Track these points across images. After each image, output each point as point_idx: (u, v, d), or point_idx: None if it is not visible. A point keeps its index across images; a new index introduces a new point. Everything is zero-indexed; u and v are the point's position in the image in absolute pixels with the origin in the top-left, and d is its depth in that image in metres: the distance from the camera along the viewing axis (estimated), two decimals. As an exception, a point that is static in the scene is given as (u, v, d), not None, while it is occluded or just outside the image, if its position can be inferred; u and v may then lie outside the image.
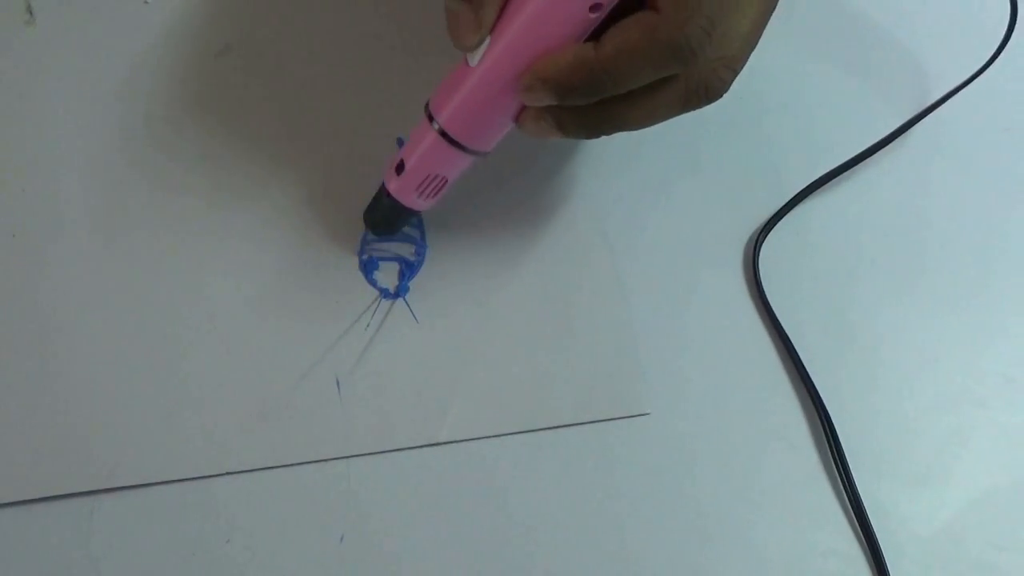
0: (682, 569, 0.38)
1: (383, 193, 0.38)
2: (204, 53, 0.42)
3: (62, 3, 0.42)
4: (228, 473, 0.38)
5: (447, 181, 0.37)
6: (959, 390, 0.42)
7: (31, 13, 0.42)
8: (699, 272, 0.42)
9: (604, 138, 0.43)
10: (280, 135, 0.42)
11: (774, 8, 0.34)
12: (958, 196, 0.45)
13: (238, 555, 0.37)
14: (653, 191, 0.43)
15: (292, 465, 0.38)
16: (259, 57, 0.43)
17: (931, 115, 0.45)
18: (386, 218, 0.39)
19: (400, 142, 0.42)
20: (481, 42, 0.33)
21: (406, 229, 0.41)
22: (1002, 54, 0.44)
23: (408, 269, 0.40)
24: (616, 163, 0.43)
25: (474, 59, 0.33)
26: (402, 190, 0.37)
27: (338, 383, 0.39)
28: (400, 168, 0.37)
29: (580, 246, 0.42)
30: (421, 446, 0.39)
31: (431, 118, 0.35)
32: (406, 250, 0.41)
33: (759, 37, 0.33)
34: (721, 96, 0.33)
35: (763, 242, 0.42)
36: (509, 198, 0.42)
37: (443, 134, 0.35)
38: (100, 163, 0.41)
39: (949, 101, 0.45)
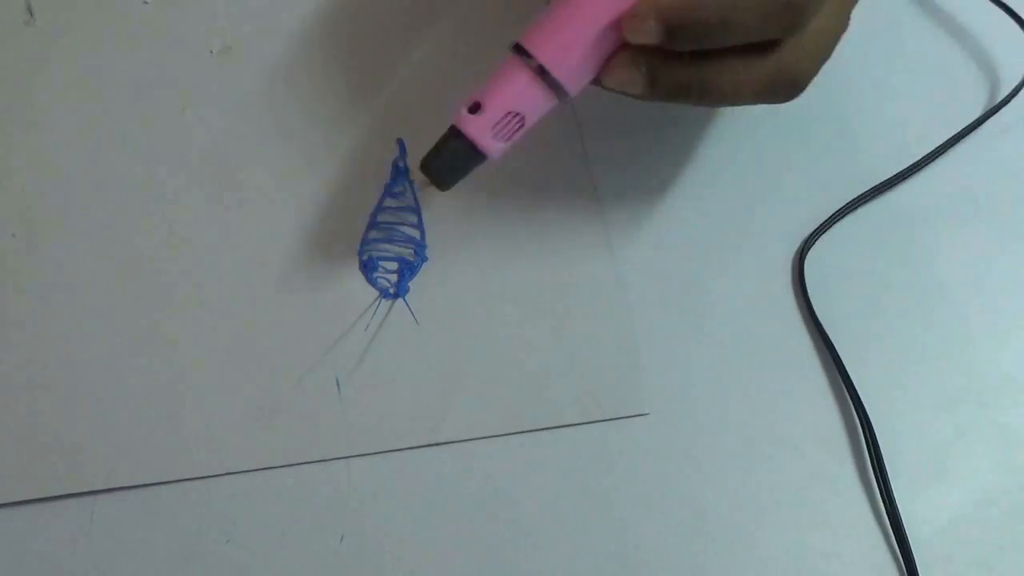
0: (681, 570, 0.38)
1: (452, 135, 0.36)
2: (204, 53, 0.42)
3: (62, 3, 0.42)
4: (228, 473, 0.38)
5: (524, 124, 0.36)
6: (962, 389, 0.42)
7: (31, 13, 0.42)
8: (704, 273, 0.42)
9: (608, 136, 0.43)
10: (280, 135, 0.42)
11: (851, 10, 0.34)
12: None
13: (238, 555, 0.37)
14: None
15: (292, 465, 0.38)
16: (259, 57, 0.43)
17: (986, 123, 0.44)
18: (452, 164, 0.37)
19: (400, 143, 0.42)
20: None
21: (406, 229, 0.41)
22: None
23: (408, 269, 0.40)
24: (625, 163, 0.43)
25: None
26: (480, 129, 0.35)
27: (338, 383, 0.39)
28: (475, 108, 0.35)
29: (581, 246, 0.42)
30: (421, 446, 0.39)
31: (522, 53, 0.34)
32: (406, 250, 0.41)
33: (842, 33, 0.34)
34: (800, 90, 0.33)
35: (810, 248, 0.42)
36: (509, 198, 0.42)
37: (536, 69, 0.34)
38: (100, 163, 0.41)
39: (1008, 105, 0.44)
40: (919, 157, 0.44)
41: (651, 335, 0.41)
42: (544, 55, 0.34)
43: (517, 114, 0.35)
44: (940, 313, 0.43)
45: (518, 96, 0.35)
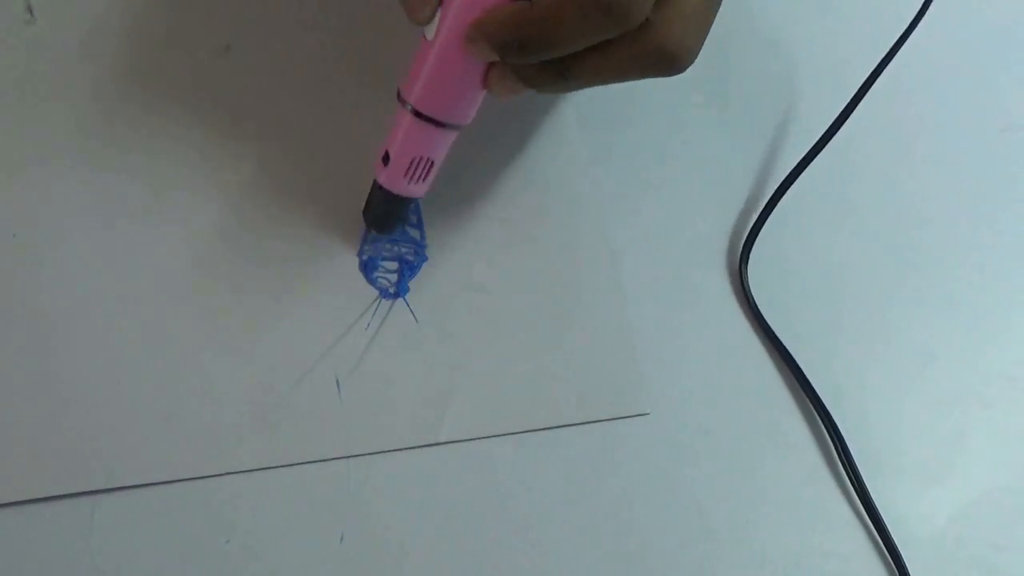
0: (682, 570, 0.38)
1: (375, 187, 0.38)
2: (204, 53, 0.42)
3: (62, 3, 0.42)
4: (228, 473, 0.38)
5: (434, 162, 0.37)
6: (960, 389, 0.42)
7: (31, 13, 0.42)
8: (693, 273, 0.42)
9: (602, 133, 0.43)
10: (280, 135, 0.42)
11: None
12: (953, 184, 0.45)
13: (238, 555, 0.37)
14: (646, 190, 0.43)
15: (292, 465, 0.38)
16: (259, 57, 0.43)
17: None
18: (384, 212, 0.39)
19: (400, 142, 0.42)
20: (433, 14, 0.34)
21: (406, 229, 0.41)
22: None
23: (408, 269, 0.41)
24: (616, 162, 0.43)
25: (430, 32, 0.34)
26: (392, 179, 0.37)
27: (338, 383, 0.39)
28: (386, 159, 0.37)
29: (580, 246, 0.42)
30: (421, 446, 0.39)
31: (403, 101, 0.36)
32: (406, 250, 0.41)
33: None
34: (687, 61, 0.32)
35: (753, 241, 0.42)
36: (509, 198, 0.42)
37: (417, 114, 0.35)
38: (100, 163, 0.40)
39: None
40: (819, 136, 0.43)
41: (651, 335, 0.41)
42: (415, 98, 0.35)
43: (422, 157, 0.37)
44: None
45: (413, 142, 0.36)
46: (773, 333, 0.41)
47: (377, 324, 0.40)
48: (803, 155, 0.43)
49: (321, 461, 0.38)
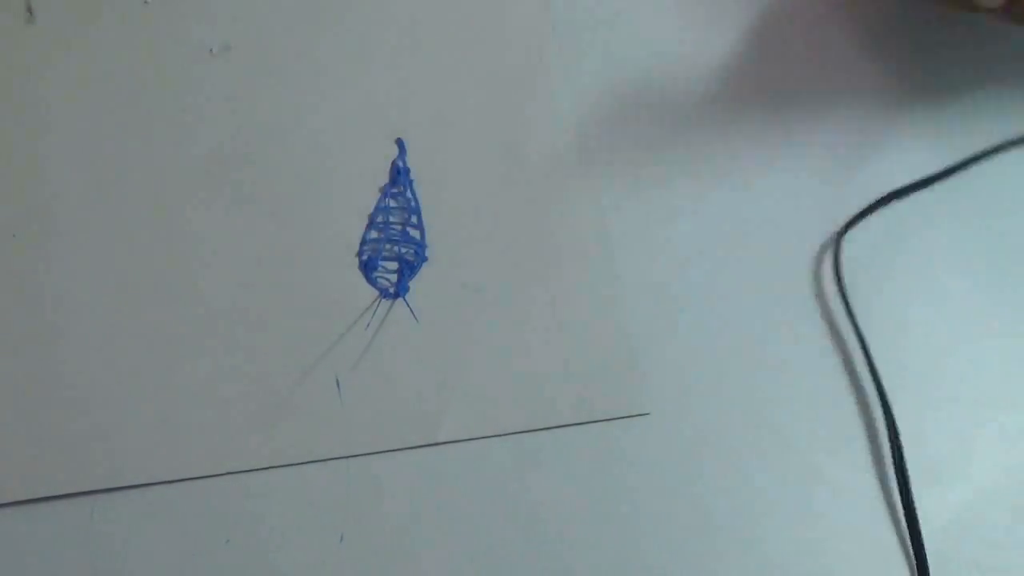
0: (683, 569, 0.38)
1: None
2: (204, 53, 0.42)
3: (62, 3, 0.42)
4: (228, 473, 0.38)
5: None
6: (961, 390, 0.42)
7: (31, 13, 0.42)
8: (713, 270, 0.42)
9: (603, 132, 0.43)
10: (280, 135, 0.42)
11: None
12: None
13: (238, 555, 0.37)
14: (646, 189, 0.43)
15: (292, 465, 0.38)
16: (259, 57, 0.43)
17: None
18: None
19: (400, 143, 0.42)
20: None
21: (406, 229, 0.41)
22: None
23: (408, 269, 0.41)
24: (617, 161, 0.43)
25: None
26: None
27: (338, 383, 0.39)
28: None
29: (579, 245, 0.42)
30: (421, 446, 0.39)
31: None
32: (406, 250, 0.41)
33: None
34: None
35: (843, 241, 0.42)
36: (509, 198, 0.42)
37: None
38: (100, 163, 0.41)
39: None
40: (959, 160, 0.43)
41: (653, 335, 0.41)
42: None
43: None
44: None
45: None
46: (858, 325, 0.41)
47: (377, 324, 0.40)
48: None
49: (321, 461, 0.38)
